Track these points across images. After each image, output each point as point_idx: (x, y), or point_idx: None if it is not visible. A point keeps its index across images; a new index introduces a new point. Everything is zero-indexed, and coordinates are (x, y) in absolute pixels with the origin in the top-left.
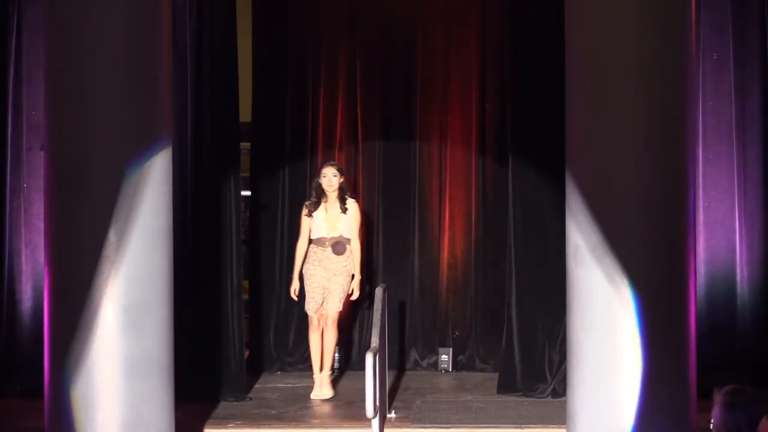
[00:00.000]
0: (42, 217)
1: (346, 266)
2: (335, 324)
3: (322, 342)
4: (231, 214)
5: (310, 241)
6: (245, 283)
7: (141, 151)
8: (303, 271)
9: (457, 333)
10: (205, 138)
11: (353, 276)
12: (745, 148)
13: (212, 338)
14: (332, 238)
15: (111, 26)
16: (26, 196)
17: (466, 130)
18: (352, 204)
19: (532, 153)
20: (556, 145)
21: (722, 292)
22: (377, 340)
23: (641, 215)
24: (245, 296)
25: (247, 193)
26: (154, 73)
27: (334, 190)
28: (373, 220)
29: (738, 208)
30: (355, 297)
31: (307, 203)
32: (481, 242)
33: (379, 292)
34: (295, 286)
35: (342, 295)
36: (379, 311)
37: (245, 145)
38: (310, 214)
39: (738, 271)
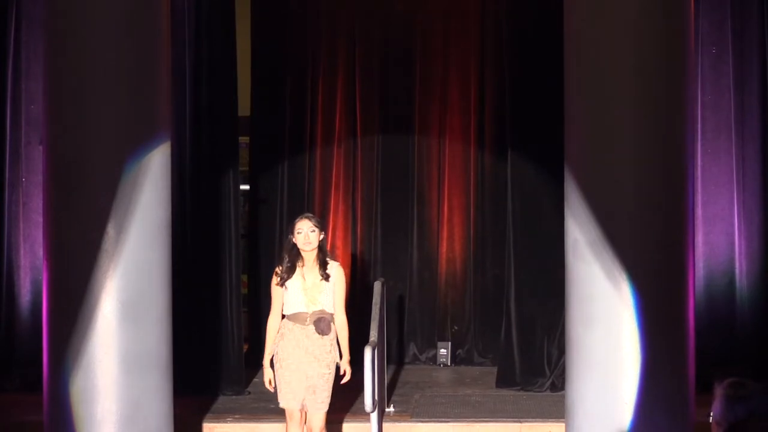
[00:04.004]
0: (41, 211)
1: (330, 352)
2: (324, 423)
3: None
4: (230, 209)
5: (283, 317)
6: (244, 278)
7: (140, 146)
8: (277, 352)
9: (456, 327)
10: (204, 132)
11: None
12: (743, 143)
13: (211, 332)
14: (313, 313)
15: (110, 20)
16: (25, 191)
17: (465, 125)
18: (335, 268)
19: (531, 148)
20: (555, 140)
21: (721, 286)
22: (376, 334)
23: (640, 210)
24: (244, 290)
25: (246, 187)
26: (153, 68)
27: (312, 249)
28: (372, 215)
29: (737, 202)
30: (345, 380)
31: (278, 269)
32: (479, 237)
33: (377, 286)
34: (269, 375)
35: (328, 392)
36: (378, 305)
37: (244, 140)
38: (282, 284)
39: (737, 265)
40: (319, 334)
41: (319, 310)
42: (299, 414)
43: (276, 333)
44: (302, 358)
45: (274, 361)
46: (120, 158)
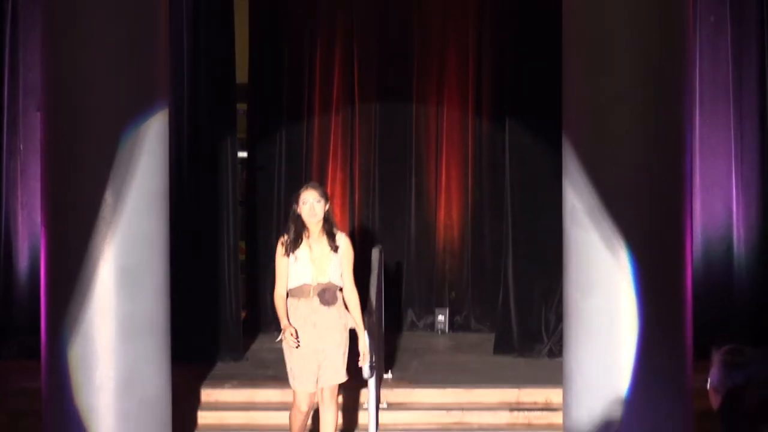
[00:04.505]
0: (38, 178)
1: (340, 319)
2: (335, 398)
3: (319, 425)
4: (228, 176)
5: (288, 293)
6: (242, 244)
7: (138, 113)
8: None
9: (454, 294)
10: (202, 99)
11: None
12: (741, 110)
13: (209, 299)
14: (319, 284)
15: None
16: (23, 158)
17: (463, 92)
18: (343, 239)
19: (529, 115)
20: (553, 107)
21: (719, 254)
22: (374, 301)
23: (638, 177)
24: (242, 257)
25: (244, 154)
26: (151, 35)
27: (318, 221)
28: (369, 183)
29: (735, 170)
30: (364, 363)
31: (282, 239)
32: (477, 204)
33: (375, 253)
34: (292, 329)
35: (342, 358)
36: (376, 272)
37: (242, 106)
38: (288, 254)
39: (735, 232)
40: (324, 305)
41: (327, 282)
42: (308, 398)
43: (285, 301)
44: (312, 334)
45: (283, 342)
46: (118, 126)
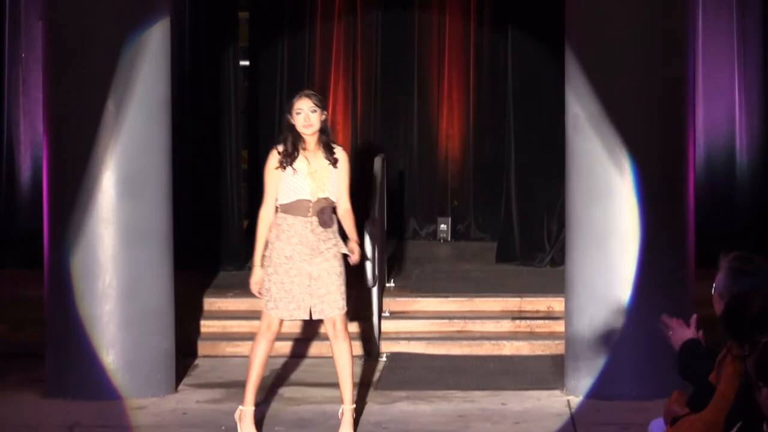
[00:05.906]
0: (40, 87)
1: (336, 245)
2: (345, 329)
3: (335, 362)
4: (230, 85)
5: (277, 209)
6: (244, 153)
7: (140, 21)
8: (271, 252)
9: (456, 202)
10: (203, 7)
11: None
12: (744, 15)
13: (211, 208)
14: (318, 201)
15: None
16: (24, 66)
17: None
18: (341, 153)
19: (531, 22)
20: (556, 14)
21: (721, 161)
22: (376, 210)
23: (640, 84)
24: (244, 166)
25: (246, 63)
26: None
27: (313, 133)
28: (371, 91)
29: (737, 76)
30: (354, 261)
31: (277, 149)
32: (480, 112)
33: (377, 161)
34: (256, 277)
35: (341, 288)
36: (378, 180)
37: (243, 15)
38: (283, 167)
39: (737, 139)
40: (322, 226)
41: (326, 198)
42: (278, 325)
43: (269, 226)
44: (305, 257)
45: (266, 265)
46: (120, 33)
